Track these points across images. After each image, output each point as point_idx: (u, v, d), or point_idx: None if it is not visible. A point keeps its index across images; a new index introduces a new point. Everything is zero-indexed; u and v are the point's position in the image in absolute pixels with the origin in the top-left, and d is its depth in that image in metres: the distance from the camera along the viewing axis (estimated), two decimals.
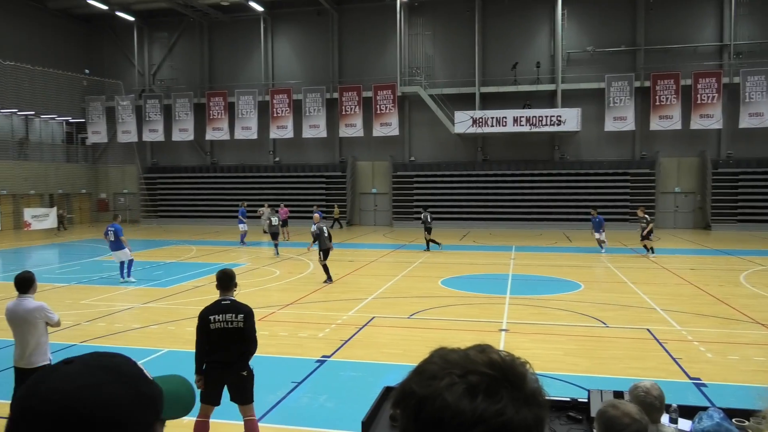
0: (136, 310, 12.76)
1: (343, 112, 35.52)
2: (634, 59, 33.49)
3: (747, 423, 3.78)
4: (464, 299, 13.67)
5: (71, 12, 39.49)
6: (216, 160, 39.86)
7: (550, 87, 33.62)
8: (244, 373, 5.76)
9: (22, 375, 6.23)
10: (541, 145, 34.68)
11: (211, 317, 5.66)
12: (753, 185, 31.49)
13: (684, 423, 3.87)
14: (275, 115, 36.42)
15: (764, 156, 31.89)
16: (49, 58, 37.43)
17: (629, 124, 32.32)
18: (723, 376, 8.22)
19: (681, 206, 33.39)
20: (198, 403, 5.70)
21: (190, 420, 5.81)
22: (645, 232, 20.80)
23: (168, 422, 1.02)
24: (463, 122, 32.48)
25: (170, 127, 38.35)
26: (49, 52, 37.86)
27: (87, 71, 40.23)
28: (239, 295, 14.33)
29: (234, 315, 5.67)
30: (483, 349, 0.92)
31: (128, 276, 16.31)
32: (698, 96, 31.50)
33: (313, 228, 16.15)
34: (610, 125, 32.52)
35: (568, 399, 4.23)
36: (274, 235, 22.26)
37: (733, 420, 3.78)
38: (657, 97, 31.98)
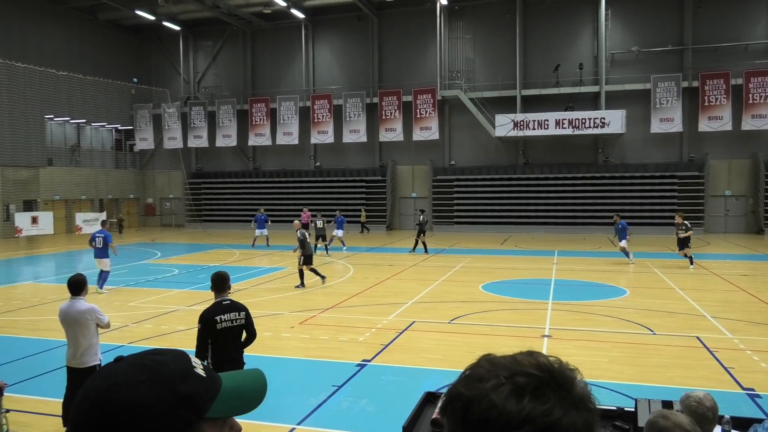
0: (182, 312, 13.05)
1: (383, 117, 35.64)
2: (681, 59, 32.59)
3: None
4: (506, 304, 13.51)
5: (120, 23, 40.83)
6: (258, 165, 40.50)
7: (594, 89, 33.01)
8: (244, 365, 6.23)
9: (73, 374, 6.44)
10: (584, 147, 34.07)
11: (218, 318, 5.99)
12: None
13: None
14: (316, 120, 36.80)
15: None
16: (100, 67, 38.79)
17: (676, 126, 31.46)
18: None
19: (732, 210, 32.27)
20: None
21: None
22: (682, 236, 18.75)
23: None
24: (503, 125, 32.19)
25: (214, 134, 39.19)
26: (100, 62, 39.23)
27: (135, 80, 41.51)
28: (282, 298, 14.49)
29: (237, 313, 6.12)
30: (530, 353, 0.92)
31: (101, 288, 15.32)
32: (749, 95, 30.44)
33: (298, 234, 16.17)
34: (656, 127, 31.72)
35: (614, 408, 4.13)
36: (323, 238, 23.11)
37: None
38: (706, 97, 31.04)
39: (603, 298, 14.09)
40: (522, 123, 31.97)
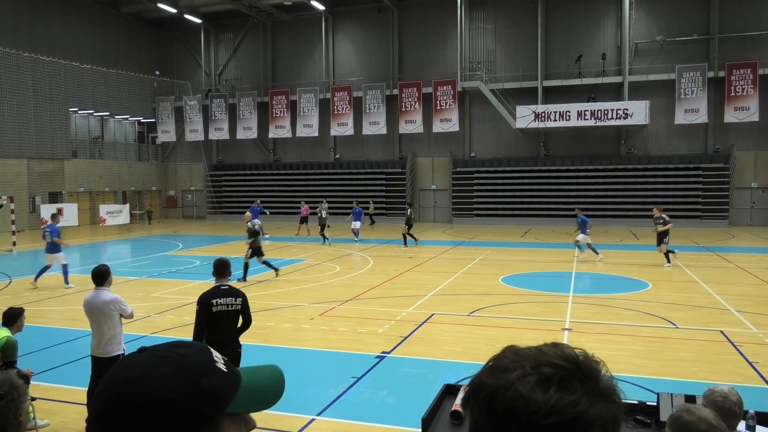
0: None
1: (403, 109, 35.54)
2: (707, 48, 31.94)
3: None
4: (526, 297, 13.44)
5: (143, 16, 41.20)
6: (278, 157, 40.70)
7: (617, 79, 32.55)
8: (239, 350, 6.45)
9: (98, 363, 6.56)
10: (607, 139, 33.65)
11: (214, 301, 6.31)
12: None
13: (762, 430, 3.67)
14: (336, 112, 36.83)
15: None
16: (123, 60, 39.23)
17: (701, 117, 30.89)
18: None
19: (758, 202, 31.65)
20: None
21: None
22: (660, 230, 17.82)
23: None
24: (524, 117, 31.90)
25: (235, 126, 39.44)
26: (123, 55, 39.68)
27: (157, 73, 41.91)
28: (302, 290, 14.57)
29: (234, 299, 6.37)
30: (556, 344, 0.91)
31: (67, 283, 14.91)
32: None
33: (249, 225, 16.16)
34: (680, 118, 31.18)
35: (636, 402, 4.09)
36: (322, 227, 24.57)
37: None
38: (732, 87, 30.41)
39: (624, 291, 13.94)
40: (543, 114, 31.65)
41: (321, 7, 36.80)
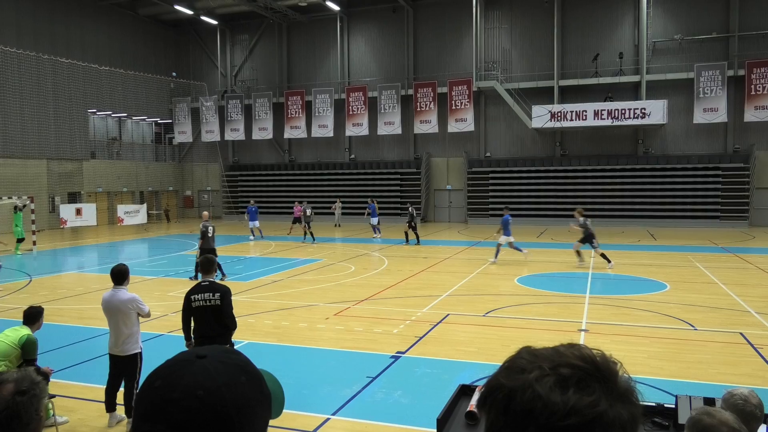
0: None
1: (418, 109, 35.50)
2: (726, 47, 31.51)
3: None
4: (542, 298, 13.36)
5: (160, 18, 41.59)
6: (294, 157, 40.86)
7: (634, 78, 32.24)
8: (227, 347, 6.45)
9: (115, 361, 6.63)
10: (624, 139, 33.34)
11: (193, 296, 6.49)
12: None
13: None
14: (351, 112, 36.89)
15: None
16: (140, 62, 39.64)
17: (721, 116, 30.48)
18: None
19: None
20: None
21: None
22: (579, 236, 17.97)
23: None
24: (540, 116, 31.71)
25: (250, 127, 39.66)
26: (140, 57, 40.09)
27: (174, 74, 42.28)
28: (317, 289, 14.61)
29: (211, 294, 6.46)
30: (573, 345, 0.90)
31: None
32: None
33: (201, 226, 16.07)
34: (699, 117, 30.79)
35: (654, 404, 4.04)
36: (308, 225, 25.24)
37: None
38: (753, 86, 29.97)
39: (642, 293, 13.80)
40: (559, 114, 31.44)
41: (336, 7, 36.89)
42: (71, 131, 34.09)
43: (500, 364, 0.92)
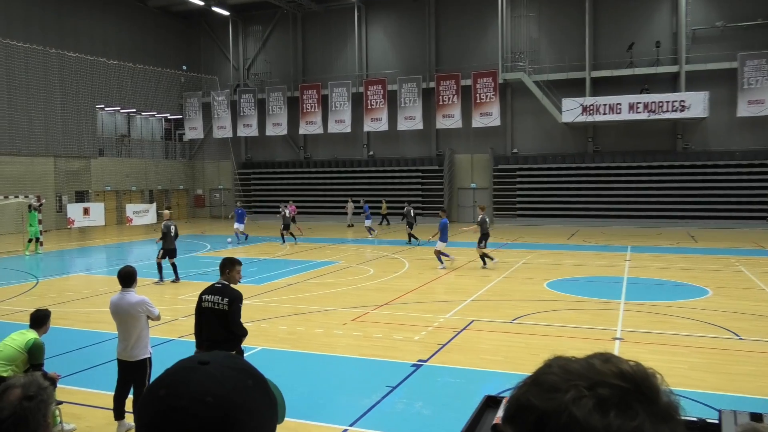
0: None
1: (441, 103, 35.43)
2: None
3: None
4: (573, 304, 13.25)
5: (170, 9, 42.06)
6: (309, 154, 41.02)
7: (672, 69, 31.83)
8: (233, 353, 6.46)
9: (124, 367, 6.71)
10: (662, 133, 32.93)
11: (204, 296, 6.53)
12: None
13: None
14: (369, 107, 36.92)
15: None
16: (150, 55, 40.11)
17: (767, 109, 29.97)
18: None
19: None
20: None
21: None
22: (477, 231, 18.29)
23: None
24: (571, 110, 31.46)
25: (264, 122, 39.90)
26: (150, 50, 40.57)
27: (184, 67, 42.70)
28: (334, 293, 14.64)
29: (220, 298, 6.44)
30: (608, 358, 0.86)
31: None
32: None
33: (162, 227, 16.28)
34: (743, 110, 30.31)
35: (695, 419, 3.97)
36: (286, 227, 25.27)
37: None
38: None
39: (682, 299, 13.63)
40: (591, 107, 31.16)
41: None
42: (79, 128, 34.61)
43: (528, 376, 0.89)
